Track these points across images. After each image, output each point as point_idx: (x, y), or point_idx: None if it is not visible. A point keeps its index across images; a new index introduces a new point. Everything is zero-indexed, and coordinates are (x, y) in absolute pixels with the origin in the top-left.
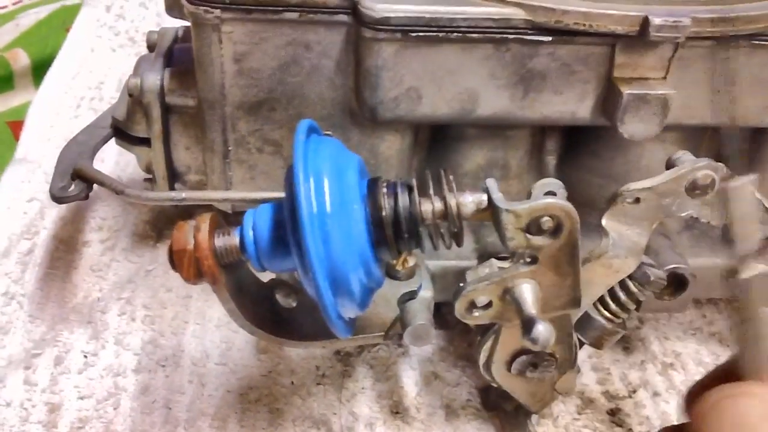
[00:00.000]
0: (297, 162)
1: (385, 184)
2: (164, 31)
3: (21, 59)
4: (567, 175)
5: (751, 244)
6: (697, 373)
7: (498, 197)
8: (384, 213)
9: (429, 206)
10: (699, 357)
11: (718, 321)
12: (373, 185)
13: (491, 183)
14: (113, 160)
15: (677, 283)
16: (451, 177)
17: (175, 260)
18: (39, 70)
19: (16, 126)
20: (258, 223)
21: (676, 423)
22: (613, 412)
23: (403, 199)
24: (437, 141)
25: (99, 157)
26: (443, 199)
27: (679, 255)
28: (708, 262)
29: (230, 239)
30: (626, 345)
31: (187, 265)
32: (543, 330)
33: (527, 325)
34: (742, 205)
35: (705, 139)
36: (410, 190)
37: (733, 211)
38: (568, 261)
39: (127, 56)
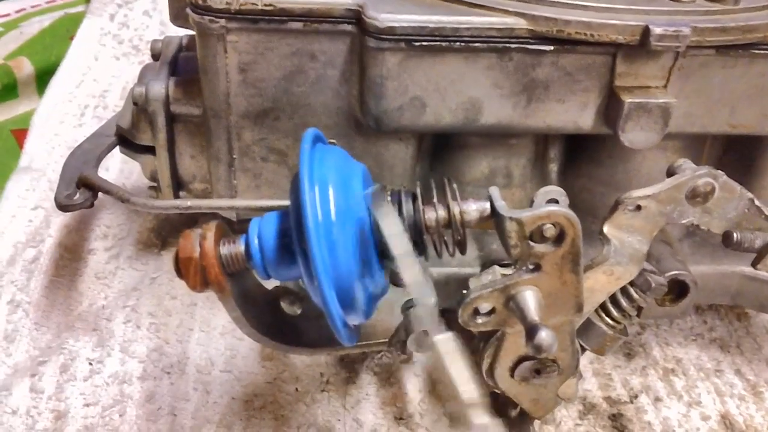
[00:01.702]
0: (303, 171)
1: (389, 193)
2: (169, 40)
3: (25, 67)
4: (569, 183)
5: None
6: (698, 379)
7: (501, 205)
8: None
9: (433, 214)
10: (700, 363)
11: (719, 327)
12: None
13: (494, 191)
14: (117, 168)
15: (679, 289)
16: (454, 185)
17: (181, 269)
18: (43, 78)
19: (20, 134)
20: (263, 232)
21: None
22: (615, 418)
23: (408, 208)
24: (440, 149)
25: (103, 165)
26: (447, 207)
27: (680, 262)
28: (709, 269)
29: (236, 248)
30: (628, 351)
31: (193, 274)
32: (546, 337)
33: (530, 332)
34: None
35: (706, 147)
36: (414, 198)
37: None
38: (571, 268)
39: (131, 64)
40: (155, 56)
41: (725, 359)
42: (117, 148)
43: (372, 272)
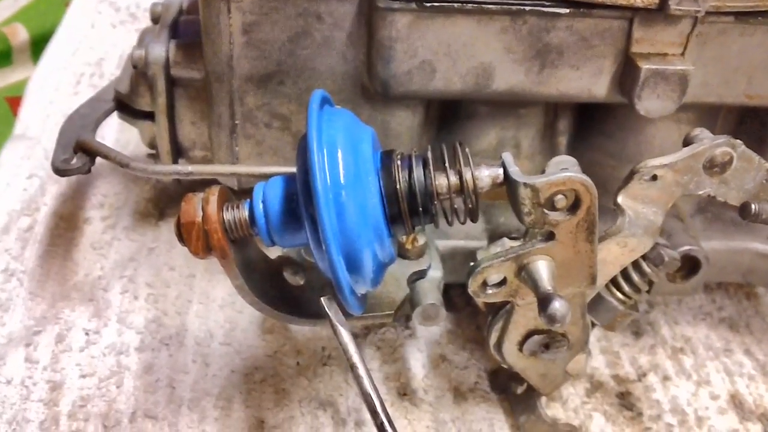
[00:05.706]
0: (311, 132)
1: (399, 157)
2: (169, 3)
3: (20, 34)
4: (578, 155)
5: None
6: (707, 358)
7: (515, 171)
8: (399, 186)
9: (444, 181)
10: (709, 342)
11: (729, 306)
12: (387, 158)
13: (507, 157)
14: (113, 137)
15: (690, 265)
16: (467, 150)
17: (183, 233)
18: (38, 45)
19: (14, 102)
20: (268, 196)
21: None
22: (623, 396)
23: (418, 173)
24: (448, 119)
25: (98, 134)
26: (459, 172)
27: (692, 237)
28: (721, 245)
29: (240, 213)
30: (636, 329)
31: (196, 239)
32: (560, 307)
33: (544, 301)
34: None
35: (719, 120)
36: (425, 163)
37: None
38: (586, 237)
39: (128, 32)
40: (155, 20)
41: (734, 339)
42: (114, 115)
43: (381, 238)
